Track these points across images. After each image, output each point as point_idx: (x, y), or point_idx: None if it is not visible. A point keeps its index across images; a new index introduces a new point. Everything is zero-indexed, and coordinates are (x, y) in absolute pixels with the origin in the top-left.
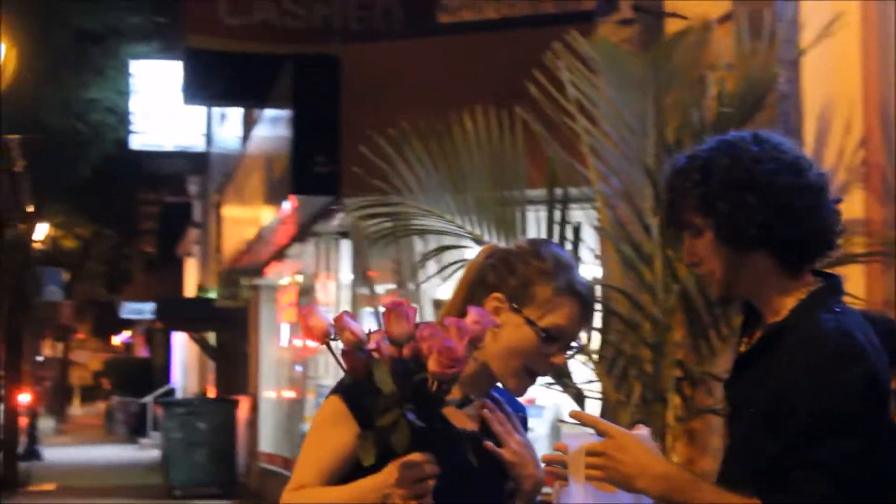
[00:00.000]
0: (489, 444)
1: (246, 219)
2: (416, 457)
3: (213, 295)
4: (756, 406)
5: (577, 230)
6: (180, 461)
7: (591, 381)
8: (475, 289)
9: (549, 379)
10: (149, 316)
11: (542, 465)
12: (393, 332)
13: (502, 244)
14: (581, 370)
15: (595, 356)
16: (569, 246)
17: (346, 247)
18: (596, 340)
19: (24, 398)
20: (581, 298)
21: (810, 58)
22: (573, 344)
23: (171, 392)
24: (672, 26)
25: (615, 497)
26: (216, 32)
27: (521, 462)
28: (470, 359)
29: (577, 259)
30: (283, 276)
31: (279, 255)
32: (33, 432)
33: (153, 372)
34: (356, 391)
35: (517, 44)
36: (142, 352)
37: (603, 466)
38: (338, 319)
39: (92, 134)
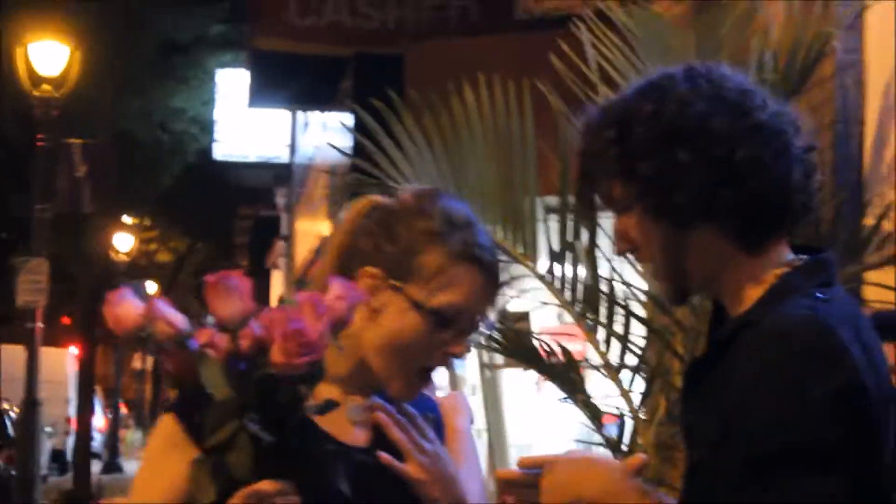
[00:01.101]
0: (386, 457)
1: (314, 230)
2: (264, 485)
3: None
4: (703, 431)
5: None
6: None
7: (609, 396)
8: (348, 259)
9: (560, 393)
10: None
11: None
12: (219, 314)
13: (392, 204)
14: (598, 383)
15: (615, 367)
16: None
17: None
18: (616, 350)
19: (99, 416)
20: (482, 264)
21: (874, 19)
22: (476, 326)
23: None
24: None
25: None
26: (283, 34)
27: (430, 479)
28: (345, 350)
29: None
30: None
31: None
32: (115, 444)
33: None
34: (191, 404)
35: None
36: None
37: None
38: (149, 307)
39: (175, 144)
